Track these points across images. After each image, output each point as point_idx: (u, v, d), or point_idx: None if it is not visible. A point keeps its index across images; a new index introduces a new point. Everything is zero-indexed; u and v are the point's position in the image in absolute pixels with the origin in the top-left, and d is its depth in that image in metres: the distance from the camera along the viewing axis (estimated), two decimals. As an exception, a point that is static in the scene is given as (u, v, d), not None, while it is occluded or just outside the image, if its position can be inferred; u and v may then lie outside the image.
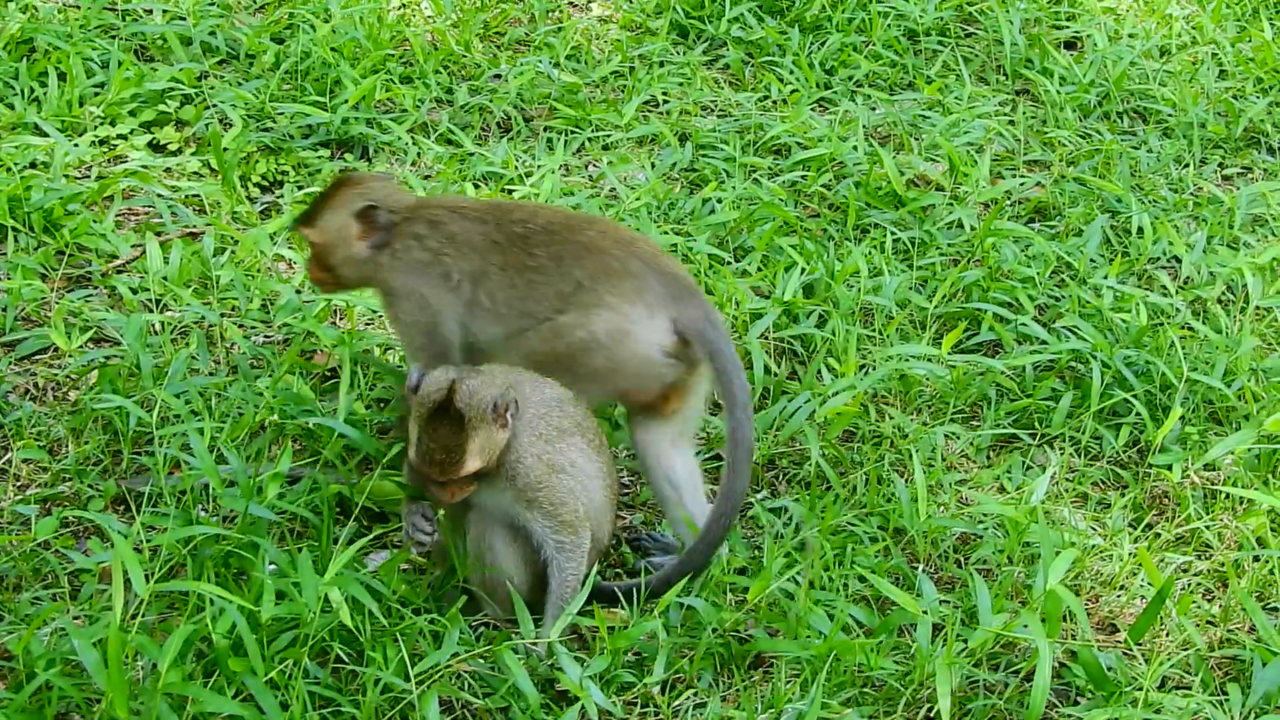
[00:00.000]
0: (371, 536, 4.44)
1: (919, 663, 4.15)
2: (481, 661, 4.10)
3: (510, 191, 6.51)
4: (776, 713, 4.01)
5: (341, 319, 5.74)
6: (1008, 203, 6.84)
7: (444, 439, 4.03)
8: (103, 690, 3.61)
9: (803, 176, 6.83)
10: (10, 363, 5.30)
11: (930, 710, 4.07)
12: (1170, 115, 7.77)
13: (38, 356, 5.37)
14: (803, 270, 5.91)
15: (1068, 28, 8.67)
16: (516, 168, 6.65)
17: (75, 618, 4.09)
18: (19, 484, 4.79)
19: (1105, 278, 6.13)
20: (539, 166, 6.72)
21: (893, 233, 6.37)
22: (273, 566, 4.21)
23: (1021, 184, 6.98)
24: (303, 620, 3.93)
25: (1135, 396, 5.43)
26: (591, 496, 4.35)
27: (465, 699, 4.02)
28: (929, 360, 5.52)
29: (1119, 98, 7.87)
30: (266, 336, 5.59)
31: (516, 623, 4.19)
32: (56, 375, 5.14)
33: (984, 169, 6.85)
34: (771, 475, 5.15)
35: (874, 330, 5.76)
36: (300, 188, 6.56)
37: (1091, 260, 6.34)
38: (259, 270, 5.90)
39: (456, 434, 4.02)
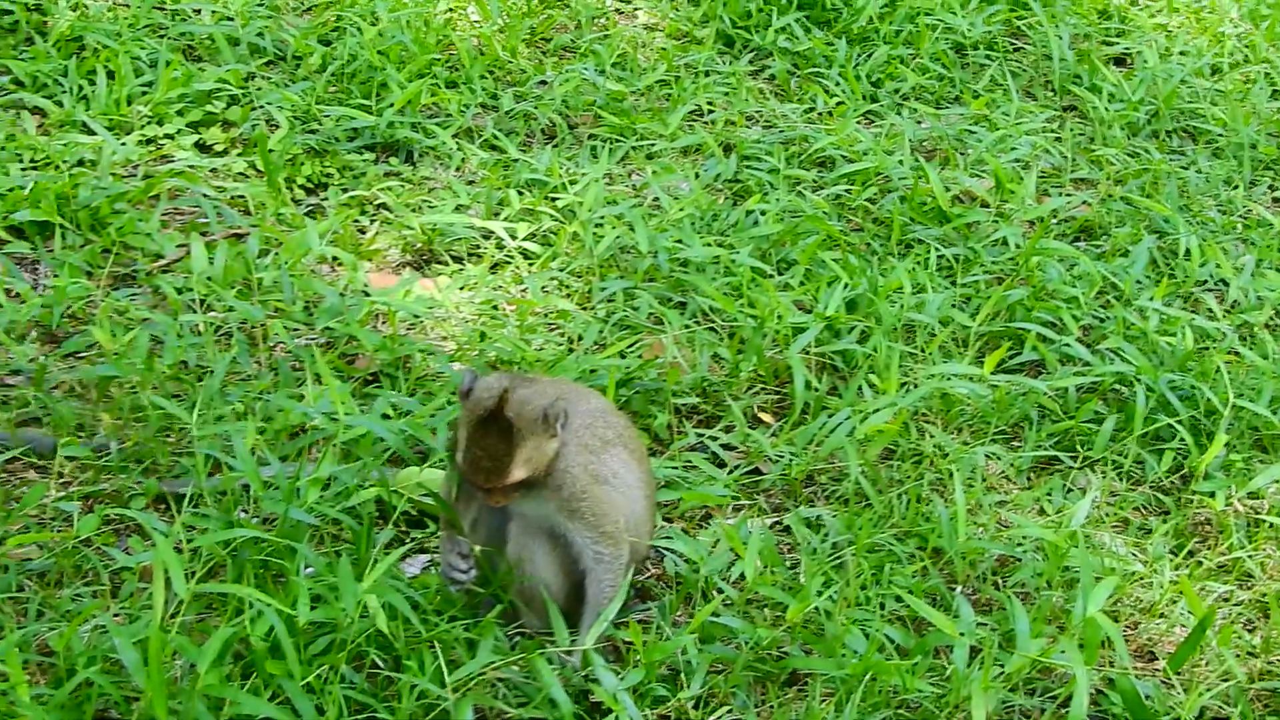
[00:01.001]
0: (411, 545, 4.44)
1: (955, 685, 4.13)
2: (516, 670, 4.09)
3: (554, 199, 6.51)
4: (810, 731, 4.01)
5: (384, 323, 5.75)
6: (1053, 221, 6.81)
7: (492, 447, 4.01)
8: (142, 689, 3.62)
9: (847, 190, 6.82)
10: (56, 359, 5.33)
11: (965, 733, 4.06)
12: (1220, 135, 7.74)
13: (83, 354, 5.40)
14: (845, 285, 5.89)
15: (1117, 44, 8.64)
16: (560, 175, 6.65)
17: (115, 616, 4.11)
18: (62, 480, 4.81)
19: (1151, 300, 6.09)
20: (583, 175, 6.72)
21: (937, 249, 6.35)
22: (310, 570, 4.22)
23: (1068, 202, 6.95)
24: (340, 625, 3.93)
25: (1179, 421, 5.39)
26: (633, 508, 4.34)
27: (500, 708, 4.02)
28: (971, 379, 5.49)
29: (1168, 116, 7.84)
30: (309, 339, 5.60)
31: (552, 633, 4.19)
32: (100, 372, 5.15)
33: (1030, 186, 6.82)
34: (810, 491, 5.14)
35: (916, 347, 5.74)
36: (345, 190, 6.58)
37: (1137, 281, 6.30)
38: (302, 272, 5.91)
39: (505, 442, 4.00)
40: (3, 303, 5.51)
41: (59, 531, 4.51)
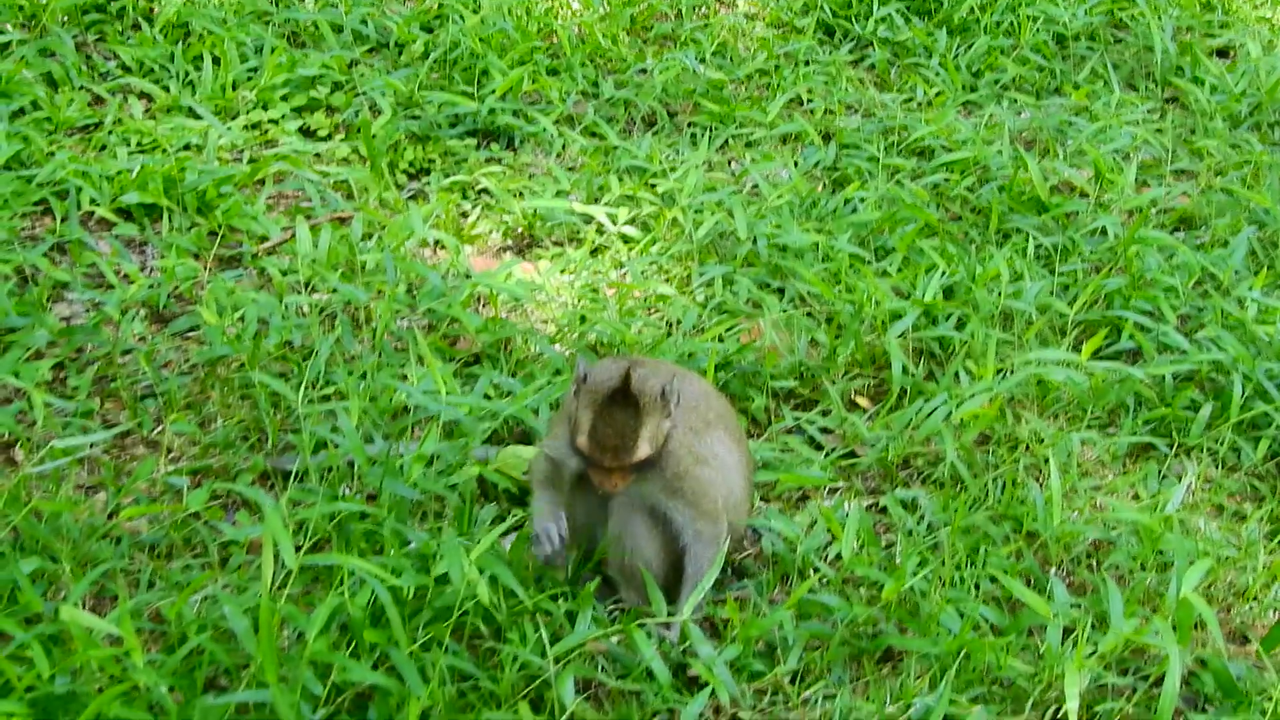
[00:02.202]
0: (512, 521, 4.50)
1: (1048, 664, 4.15)
2: (615, 643, 4.15)
3: (654, 185, 6.57)
4: (905, 706, 4.04)
5: (485, 306, 5.83)
6: (1153, 211, 6.78)
7: (620, 424, 4.05)
8: (252, 656, 3.71)
9: (946, 179, 6.82)
10: (164, 339, 5.45)
11: (1058, 711, 4.07)
12: (1323, 128, 7.69)
13: (190, 334, 5.51)
14: (943, 272, 5.92)
15: (1220, 36, 8.58)
16: (660, 162, 6.70)
17: (224, 586, 4.20)
18: (171, 455, 4.92)
19: (1250, 290, 6.06)
20: (683, 161, 6.77)
21: (1035, 238, 6.35)
22: (413, 545, 4.29)
23: (1167, 193, 6.92)
24: (444, 596, 4.01)
25: (1277, 409, 5.38)
26: (731, 487, 4.39)
27: (599, 679, 4.08)
28: (1068, 366, 5.49)
29: (1271, 108, 7.78)
30: (411, 321, 5.69)
31: (650, 608, 4.24)
32: (208, 352, 5.26)
33: (1130, 177, 6.80)
34: (906, 474, 5.16)
35: (1013, 334, 5.75)
36: (447, 175, 6.66)
37: (1236, 272, 6.27)
38: (405, 256, 6.00)
39: (632, 419, 4.05)
40: (113, 283, 5.63)
41: (169, 505, 4.62)
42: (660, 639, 4.19)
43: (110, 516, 4.53)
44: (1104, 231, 6.46)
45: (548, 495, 4.34)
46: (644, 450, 4.09)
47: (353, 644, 3.90)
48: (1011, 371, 5.47)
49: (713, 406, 4.45)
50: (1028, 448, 5.20)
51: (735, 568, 4.65)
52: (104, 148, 6.52)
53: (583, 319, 5.71)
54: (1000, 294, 5.84)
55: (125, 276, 5.74)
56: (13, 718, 3.41)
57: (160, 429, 5.03)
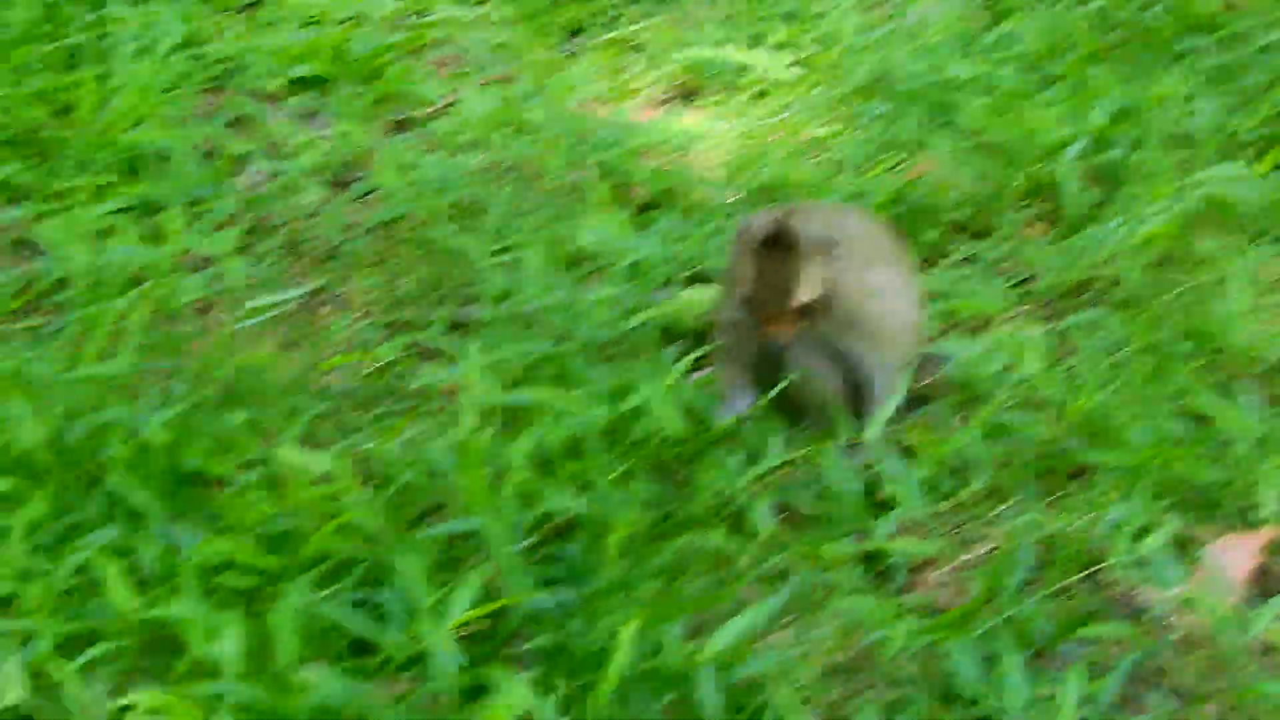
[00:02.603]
0: (696, 355, 4.56)
1: (1241, 473, 4.15)
2: (804, 467, 4.22)
3: (812, 28, 6.54)
4: (1098, 518, 4.06)
5: (652, 156, 5.87)
6: (1332, 22, 6.62)
7: (775, 273, 4.08)
8: (455, 492, 3.84)
9: (1112, 2, 6.71)
10: (343, 202, 5.57)
11: (1251, 518, 4.07)
12: None
13: (367, 196, 5.63)
14: (1113, 98, 5.84)
15: None
16: (818, 4, 6.67)
17: (423, 430, 4.32)
18: (360, 313, 5.05)
19: None
20: (838, 4, 6.74)
21: (1208, 57, 6.24)
22: (600, 383, 4.39)
23: (1346, 4, 6.75)
24: (635, 430, 4.11)
25: None
26: (904, 317, 4.41)
27: (791, 503, 4.15)
28: (1247, 181, 5.41)
29: None
30: (581, 174, 5.75)
31: (835, 434, 4.30)
32: (388, 211, 5.38)
33: (1306, -12, 6.64)
34: (1084, 298, 5.13)
35: (1188, 154, 5.67)
36: (604, 31, 6.70)
37: None
38: (569, 111, 6.05)
39: (789, 265, 4.08)
40: (291, 152, 5.77)
41: (363, 354, 4.74)
42: (849, 460, 4.24)
43: (309, 371, 4.68)
44: None
45: (734, 366, 4.38)
46: (806, 295, 4.11)
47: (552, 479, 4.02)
48: (1189, 191, 5.40)
49: (879, 240, 4.46)
50: (1208, 266, 5.15)
51: (916, 396, 4.67)
52: (269, 24, 6.63)
53: (750, 162, 5.73)
54: (1174, 115, 5.76)
55: (301, 146, 5.86)
56: (240, 551, 3.58)
57: (347, 287, 5.15)
